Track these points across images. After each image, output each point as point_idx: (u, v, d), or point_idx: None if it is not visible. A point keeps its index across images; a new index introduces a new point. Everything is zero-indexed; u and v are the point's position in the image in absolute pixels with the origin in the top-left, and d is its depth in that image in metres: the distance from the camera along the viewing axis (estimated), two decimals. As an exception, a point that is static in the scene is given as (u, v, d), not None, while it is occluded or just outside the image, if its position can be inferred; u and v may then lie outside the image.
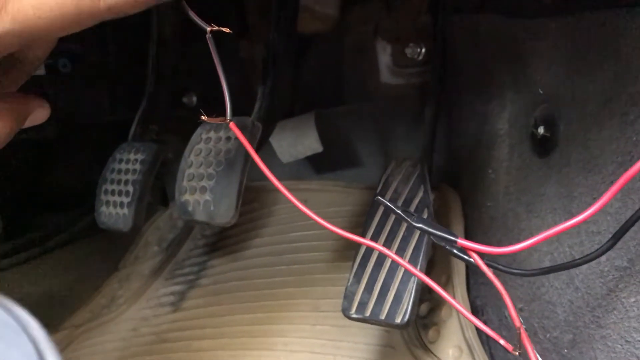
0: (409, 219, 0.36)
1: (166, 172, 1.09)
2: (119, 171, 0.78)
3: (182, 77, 0.98)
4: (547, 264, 0.51)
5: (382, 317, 0.52)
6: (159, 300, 0.97)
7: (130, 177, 0.76)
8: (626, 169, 0.30)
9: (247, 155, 0.63)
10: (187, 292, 0.95)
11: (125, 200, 0.75)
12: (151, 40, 0.88)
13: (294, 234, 0.93)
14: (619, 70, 0.42)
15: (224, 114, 0.38)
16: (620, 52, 0.42)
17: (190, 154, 0.66)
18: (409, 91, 0.86)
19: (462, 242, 0.34)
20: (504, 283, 0.34)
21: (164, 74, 0.90)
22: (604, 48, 0.44)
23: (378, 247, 0.37)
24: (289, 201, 0.36)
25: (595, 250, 0.35)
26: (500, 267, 0.36)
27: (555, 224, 0.36)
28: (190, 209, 0.64)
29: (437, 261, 0.74)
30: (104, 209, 0.77)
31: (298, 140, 0.89)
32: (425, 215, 0.58)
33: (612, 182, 0.31)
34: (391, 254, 0.37)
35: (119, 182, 0.77)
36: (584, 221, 0.31)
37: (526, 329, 0.32)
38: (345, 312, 0.54)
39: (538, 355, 0.32)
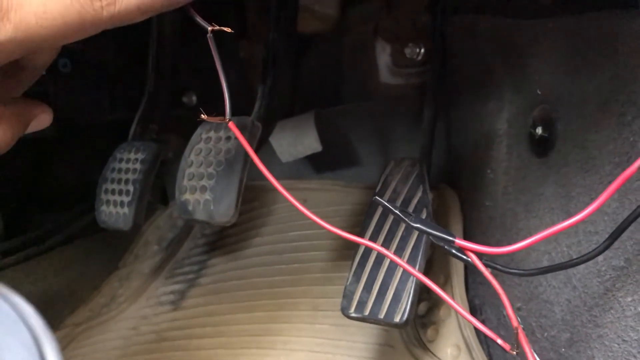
0: (406, 219, 0.36)
1: (166, 172, 1.09)
2: (119, 170, 0.78)
3: (182, 77, 0.98)
4: (545, 263, 0.51)
5: (381, 316, 0.52)
6: (159, 299, 0.97)
7: (130, 176, 0.76)
8: (623, 170, 0.30)
9: (247, 154, 0.63)
10: (187, 291, 0.95)
11: (126, 199, 0.75)
12: (151, 39, 0.88)
13: (293, 233, 0.93)
14: (617, 71, 0.42)
15: (223, 114, 0.38)
16: (618, 53, 0.42)
17: (191, 154, 0.66)
18: (409, 91, 0.86)
19: (460, 242, 0.35)
20: (501, 282, 0.34)
21: (164, 73, 0.89)
22: (603, 49, 0.44)
23: (376, 247, 0.38)
24: (289, 200, 0.37)
25: (593, 250, 0.35)
26: (498, 266, 0.36)
27: (553, 223, 0.36)
28: (190, 208, 0.64)
29: (435, 260, 0.75)
30: (104, 208, 0.77)
31: (298, 140, 0.89)
32: (424, 215, 0.58)
33: (609, 183, 0.31)
34: (390, 254, 0.37)
35: (119, 181, 0.77)
36: (582, 221, 0.31)
37: (524, 328, 0.32)
38: (344, 311, 0.54)
39: (535, 354, 0.32)
